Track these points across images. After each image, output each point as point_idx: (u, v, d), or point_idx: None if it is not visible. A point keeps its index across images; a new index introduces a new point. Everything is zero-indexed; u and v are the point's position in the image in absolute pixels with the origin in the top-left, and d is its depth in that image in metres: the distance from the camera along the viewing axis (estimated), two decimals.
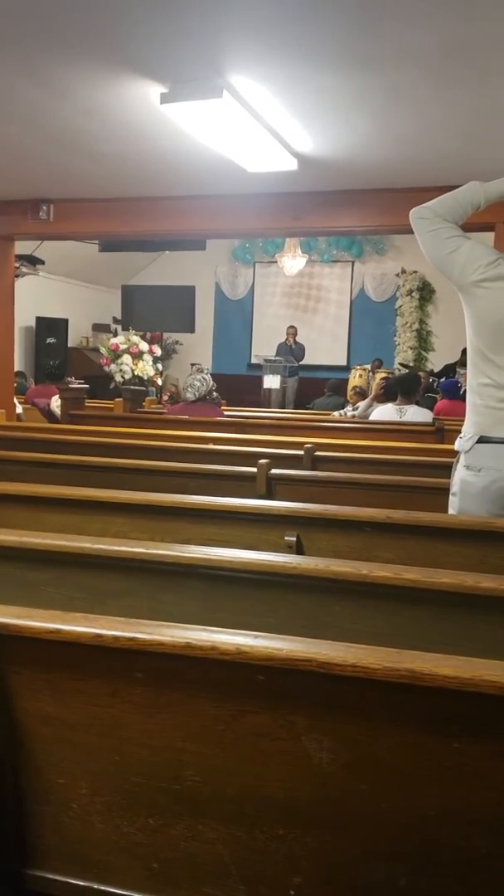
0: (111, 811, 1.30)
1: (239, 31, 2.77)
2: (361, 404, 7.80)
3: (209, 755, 1.22)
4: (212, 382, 5.76)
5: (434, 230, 2.59)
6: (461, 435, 2.65)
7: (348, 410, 8.09)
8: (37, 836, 1.36)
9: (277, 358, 12.08)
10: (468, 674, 1.05)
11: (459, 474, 2.62)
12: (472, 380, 2.62)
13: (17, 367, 7.99)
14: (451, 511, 2.66)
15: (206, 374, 5.92)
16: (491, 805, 1.12)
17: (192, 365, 6.48)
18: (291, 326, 12.91)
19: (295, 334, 12.76)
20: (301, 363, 12.48)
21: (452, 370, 10.49)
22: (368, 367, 11.76)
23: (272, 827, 1.22)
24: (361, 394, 8.85)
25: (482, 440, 2.54)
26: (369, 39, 2.80)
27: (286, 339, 12.72)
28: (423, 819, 1.15)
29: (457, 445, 2.66)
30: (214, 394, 5.88)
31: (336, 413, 8.10)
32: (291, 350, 12.47)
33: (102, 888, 1.33)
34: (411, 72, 3.08)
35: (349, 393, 9.15)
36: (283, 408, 11.23)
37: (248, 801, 1.22)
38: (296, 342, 12.69)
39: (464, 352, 10.91)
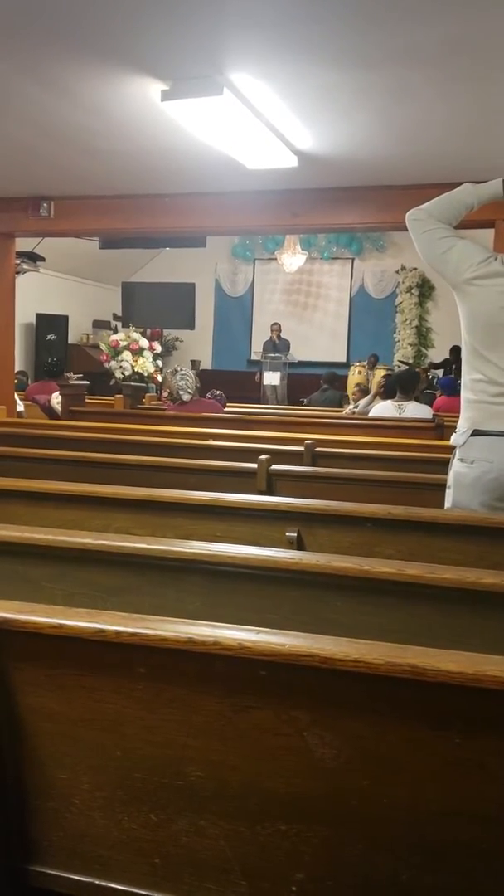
0: (113, 807, 1.30)
1: (240, 28, 2.76)
2: (362, 401, 7.81)
3: (211, 750, 1.22)
4: (192, 373, 5.72)
5: (428, 231, 2.69)
6: (457, 430, 2.73)
7: (351, 408, 8.11)
8: (39, 832, 1.36)
9: (277, 355, 12.08)
10: (471, 669, 1.05)
11: (454, 467, 2.69)
12: (465, 376, 2.70)
13: (17, 364, 7.99)
14: (446, 505, 2.72)
15: (183, 369, 5.84)
16: (493, 800, 1.12)
17: (175, 367, 6.42)
18: (276, 323, 12.88)
19: (279, 330, 12.72)
20: (300, 360, 12.46)
21: (451, 364, 10.50)
22: (365, 363, 11.78)
23: (274, 822, 1.22)
24: (364, 391, 8.87)
25: (476, 433, 2.62)
26: (371, 36, 2.80)
27: (270, 336, 12.70)
28: (426, 814, 1.15)
29: (452, 440, 2.74)
30: (218, 392, 5.86)
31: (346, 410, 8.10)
32: (276, 346, 12.46)
33: (104, 884, 1.33)
34: (414, 69, 3.07)
35: (352, 389, 9.12)
36: (279, 403, 11.23)
37: (250, 796, 1.22)
38: (280, 338, 12.66)
39: (452, 350, 10.90)
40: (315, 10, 2.61)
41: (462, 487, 2.64)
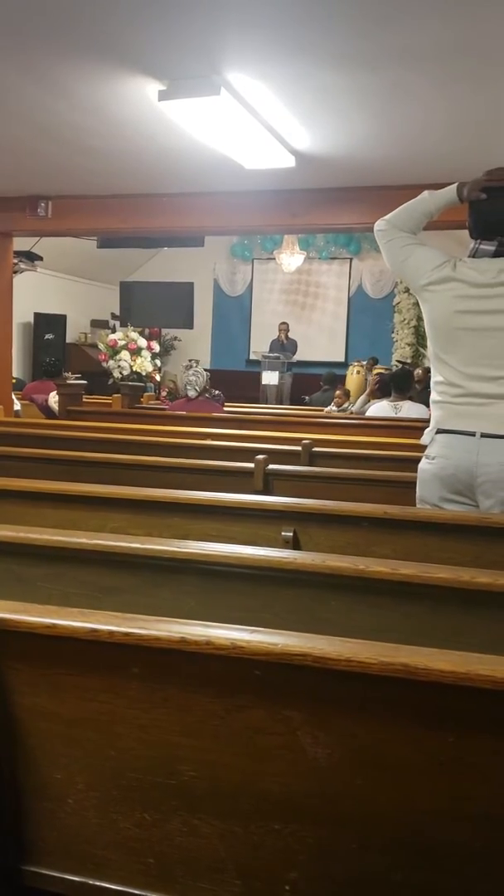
0: (107, 806, 1.30)
1: (237, 28, 2.76)
2: (358, 401, 7.82)
3: (205, 750, 1.22)
4: (206, 373, 5.79)
5: (391, 240, 2.76)
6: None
7: (333, 408, 8.10)
8: (33, 832, 1.36)
9: (276, 354, 12.08)
10: (463, 668, 1.05)
11: (419, 464, 2.76)
12: (432, 379, 2.78)
13: (14, 363, 7.98)
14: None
15: (198, 367, 5.91)
16: (485, 799, 1.12)
17: (190, 361, 6.40)
18: (283, 323, 12.88)
19: (287, 330, 12.73)
20: (298, 359, 12.49)
21: None
22: (364, 363, 11.76)
23: (268, 822, 1.22)
24: (347, 395, 8.88)
25: (439, 432, 2.69)
26: (370, 37, 2.80)
27: (278, 336, 12.70)
28: (419, 813, 1.16)
29: (421, 440, 2.80)
30: (216, 392, 5.88)
31: (325, 409, 8.08)
32: (283, 346, 12.47)
33: (98, 884, 1.34)
34: (412, 69, 3.07)
35: (337, 392, 9.13)
36: (281, 404, 11.24)
37: (243, 795, 1.22)
38: (288, 338, 12.67)
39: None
40: (313, 10, 2.61)
41: (423, 483, 2.70)
